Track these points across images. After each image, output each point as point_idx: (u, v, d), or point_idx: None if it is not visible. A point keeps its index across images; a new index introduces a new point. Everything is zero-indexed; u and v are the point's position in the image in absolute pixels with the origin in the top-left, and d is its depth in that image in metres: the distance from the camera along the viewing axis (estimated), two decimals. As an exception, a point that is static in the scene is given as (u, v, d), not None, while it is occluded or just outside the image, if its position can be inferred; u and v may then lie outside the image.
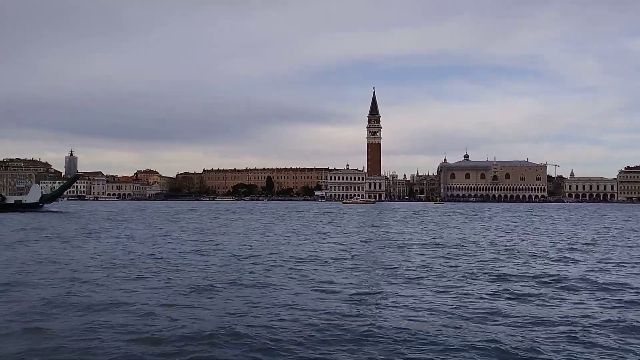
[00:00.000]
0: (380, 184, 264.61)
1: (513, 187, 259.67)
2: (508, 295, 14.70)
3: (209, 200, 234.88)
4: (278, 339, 10.28)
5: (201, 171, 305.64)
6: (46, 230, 40.32)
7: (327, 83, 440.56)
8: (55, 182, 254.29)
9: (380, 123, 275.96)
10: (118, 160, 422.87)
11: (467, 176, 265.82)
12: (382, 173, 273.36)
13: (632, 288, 15.87)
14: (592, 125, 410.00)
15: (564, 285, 16.40)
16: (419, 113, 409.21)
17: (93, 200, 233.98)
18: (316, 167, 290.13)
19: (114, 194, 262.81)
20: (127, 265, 20.28)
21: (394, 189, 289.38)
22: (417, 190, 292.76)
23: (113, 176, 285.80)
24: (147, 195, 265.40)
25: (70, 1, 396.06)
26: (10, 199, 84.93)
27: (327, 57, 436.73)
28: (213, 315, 12.08)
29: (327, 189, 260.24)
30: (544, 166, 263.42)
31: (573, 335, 10.61)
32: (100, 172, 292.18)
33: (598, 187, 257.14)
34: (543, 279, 17.54)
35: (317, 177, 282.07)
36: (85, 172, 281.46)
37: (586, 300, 14.13)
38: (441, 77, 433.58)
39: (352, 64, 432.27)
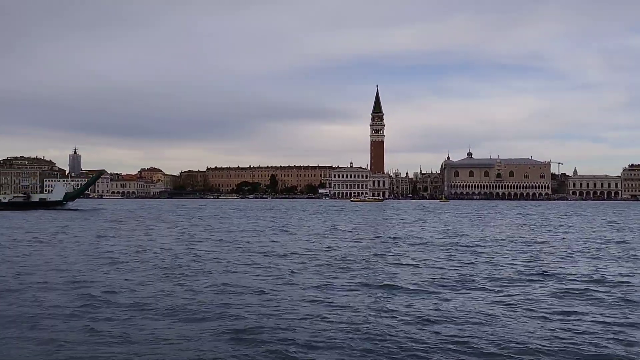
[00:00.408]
0: (384, 182, 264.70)
1: (517, 185, 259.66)
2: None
3: (214, 198, 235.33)
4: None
5: (204, 169, 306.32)
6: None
7: (328, 80, 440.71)
8: (60, 180, 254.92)
9: (384, 121, 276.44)
10: (120, 158, 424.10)
11: (471, 174, 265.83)
12: (385, 171, 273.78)
13: None
14: (595, 122, 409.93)
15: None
16: (421, 110, 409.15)
17: (98, 198, 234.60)
18: (319, 165, 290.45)
19: (118, 192, 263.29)
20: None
21: (397, 187, 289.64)
22: (420, 188, 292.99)
23: (117, 174, 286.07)
24: (152, 194, 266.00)
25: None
26: (35, 197, 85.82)
27: (328, 55, 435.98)
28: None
29: (330, 187, 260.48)
30: (548, 164, 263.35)
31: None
32: (104, 170, 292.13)
33: (602, 184, 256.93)
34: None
35: (321, 175, 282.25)
36: (89, 170, 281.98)
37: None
38: (443, 74, 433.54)
39: (353, 61, 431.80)
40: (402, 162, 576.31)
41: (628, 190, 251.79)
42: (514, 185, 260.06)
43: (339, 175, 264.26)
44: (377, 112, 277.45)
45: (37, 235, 33.96)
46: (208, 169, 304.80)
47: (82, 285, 15.56)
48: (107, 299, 13.49)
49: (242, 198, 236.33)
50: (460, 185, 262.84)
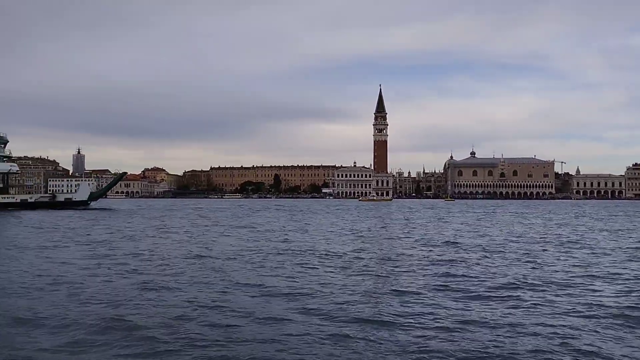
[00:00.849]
0: (387, 182, 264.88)
1: (520, 184, 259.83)
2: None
3: (217, 198, 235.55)
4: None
5: (206, 169, 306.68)
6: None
7: (328, 80, 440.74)
8: (63, 180, 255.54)
9: (387, 120, 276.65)
10: (121, 158, 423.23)
11: (475, 173, 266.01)
12: (388, 170, 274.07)
13: None
14: (595, 122, 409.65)
15: None
16: (421, 110, 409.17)
17: (103, 198, 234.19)
18: (323, 165, 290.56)
19: (122, 192, 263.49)
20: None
21: (400, 187, 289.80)
22: (423, 187, 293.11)
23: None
24: (155, 193, 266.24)
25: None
26: (61, 197, 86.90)
27: (328, 55, 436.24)
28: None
29: (334, 187, 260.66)
30: (552, 163, 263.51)
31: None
32: (108, 170, 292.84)
33: (606, 184, 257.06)
34: None
35: (324, 175, 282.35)
36: (92, 170, 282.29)
37: None
38: (444, 74, 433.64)
39: (353, 61, 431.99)
40: (402, 161, 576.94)
41: (632, 190, 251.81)
42: (517, 184, 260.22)
43: (342, 175, 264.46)
44: (380, 111, 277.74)
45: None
46: (211, 168, 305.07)
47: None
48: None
49: (245, 198, 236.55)
50: (463, 184, 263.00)
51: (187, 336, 10.13)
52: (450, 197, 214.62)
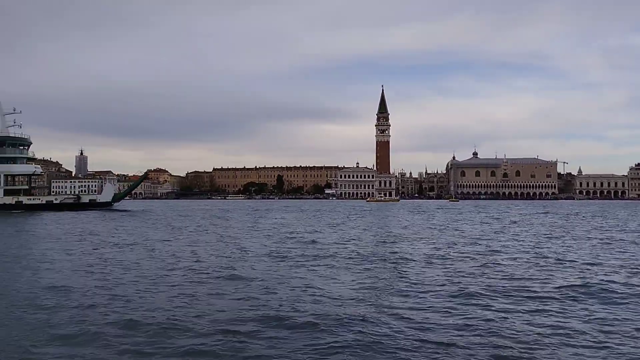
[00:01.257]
0: (390, 182, 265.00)
1: (523, 185, 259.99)
2: None
3: (221, 198, 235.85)
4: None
5: (207, 169, 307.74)
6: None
7: (328, 81, 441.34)
8: (67, 182, 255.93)
9: (389, 121, 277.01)
10: (122, 159, 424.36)
11: (477, 174, 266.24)
12: (390, 171, 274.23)
13: None
14: (596, 122, 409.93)
15: None
16: (421, 110, 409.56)
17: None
18: (325, 166, 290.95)
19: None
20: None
21: (403, 187, 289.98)
22: (426, 188, 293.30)
23: (124, 175, 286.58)
24: (159, 194, 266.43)
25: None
26: (85, 198, 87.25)
27: (328, 55, 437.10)
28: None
29: (337, 187, 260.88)
30: (555, 163, 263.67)
31: None
32: (110, 171, 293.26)
33: (609, 184, 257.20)
34: None
35: (327, 176, 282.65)
36: (95, 172, 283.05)
37: None
38: (444, 74, 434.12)
39: (354, 61, 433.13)
40: (403, 161, 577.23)
41: (635, 190, 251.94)
42: (520, 184, 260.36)
43: (345, 176, 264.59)
44: (383, 112, 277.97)
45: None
46: (214, 169, 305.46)
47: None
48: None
49: (248, 198, 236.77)
50: (466, 184, 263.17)
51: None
52: (455, 198, 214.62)
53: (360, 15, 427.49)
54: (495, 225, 49.02)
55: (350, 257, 23.11)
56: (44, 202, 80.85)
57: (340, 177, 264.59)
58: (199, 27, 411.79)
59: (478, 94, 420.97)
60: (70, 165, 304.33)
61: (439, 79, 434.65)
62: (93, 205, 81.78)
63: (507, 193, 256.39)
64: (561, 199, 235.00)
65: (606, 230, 42.83)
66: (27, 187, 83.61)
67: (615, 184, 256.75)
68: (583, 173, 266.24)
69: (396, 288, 15.77)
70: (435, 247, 27.66)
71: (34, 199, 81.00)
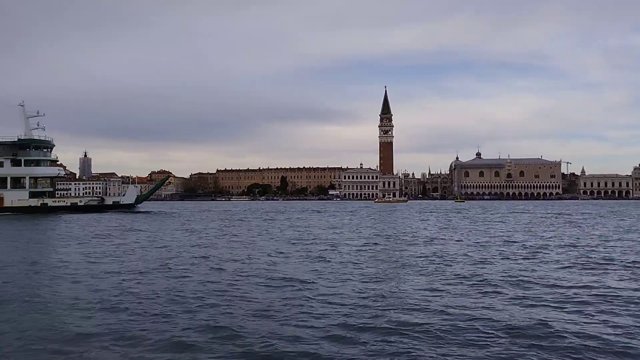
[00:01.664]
0: (394, 183, 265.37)
1: (527, 185, 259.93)
2: None
3: (225, 200, 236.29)
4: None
5: (210, 170, 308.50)
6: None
7: (329, 81, 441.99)
8: (71, 184, 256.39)
9: (392, 122, 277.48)
10: (125, 161, 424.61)
11: (481, 174, 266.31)
12: (394, 172, 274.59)
13: None
14: (597, 122, 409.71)
15: None
16: (421, 110, 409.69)
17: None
18: (329, 167, 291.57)
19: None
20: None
21: (406, 188, 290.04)
22: (429, 188, 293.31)
23: (128, 177, 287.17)
24: (163, 196, 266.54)
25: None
26: (109, 200, 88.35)
27: (329, 55, 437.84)
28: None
29: (340, 188, 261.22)
30: (559, 163, 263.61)
31: None
32: (114, 173, 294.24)
33: (613, 184, 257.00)
34: None
35: (330, 177, 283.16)
36: (100, 174, 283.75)
37: None
38: (444, 74, 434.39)
39: (354, 61, 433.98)
40: (404, 162, 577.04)
41: (639, 190, 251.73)
42: (524, 185, 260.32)
43: (349, 177, 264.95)
44: (386, 113, 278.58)
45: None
46: (218, 171, 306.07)
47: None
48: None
49: (252, 200, 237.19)
50: (470, 185, 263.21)
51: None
52: (462, 199, 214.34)
53: (360, 16, 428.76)
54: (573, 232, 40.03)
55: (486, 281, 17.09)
56: (68, 204, 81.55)
57: (344, 178, 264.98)
58: (199, 27, 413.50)
59: (478, 94, 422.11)
60: (73, 167, 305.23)
61: (439, 79, 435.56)
62: (116, 207, 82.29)
63: (510, 193, 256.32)
64: (565, 199, 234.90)
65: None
66: (51, 189, 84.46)
67: (620, 184, 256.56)
68: (586, 173, 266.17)
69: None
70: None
71: (59, 201, 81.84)
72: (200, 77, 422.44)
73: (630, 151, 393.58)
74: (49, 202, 78.87)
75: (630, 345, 9.92)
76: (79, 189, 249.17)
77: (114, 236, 35.21)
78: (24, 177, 77.87)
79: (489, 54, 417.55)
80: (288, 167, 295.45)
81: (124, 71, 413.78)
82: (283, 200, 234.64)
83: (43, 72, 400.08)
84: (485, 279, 16.97)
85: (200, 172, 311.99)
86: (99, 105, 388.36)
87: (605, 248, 26.89)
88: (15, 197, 76.06)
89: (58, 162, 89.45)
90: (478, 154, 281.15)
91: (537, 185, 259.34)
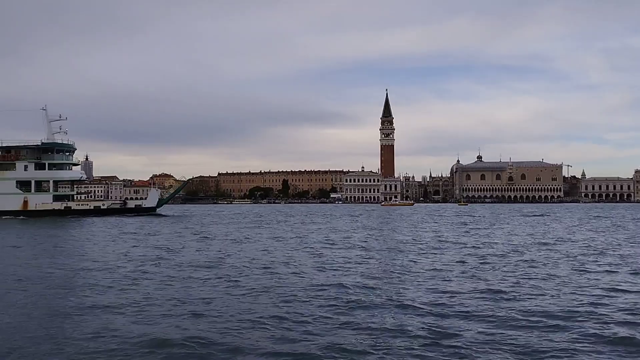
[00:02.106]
0: (396, 186, 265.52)
1: (529, 188, 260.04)
2: None
3: (227, 203, 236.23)
4: None
5: (211, 173, 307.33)
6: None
7: (329, 84, 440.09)
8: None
9: (394, 124, 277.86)
10: (125, 164, 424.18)
11: (483, 177, 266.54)
12: (396, 175, 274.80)
13: None
14: (597, 124, 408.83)
15: None
16: (422, 113, 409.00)
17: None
18: (330, 170, 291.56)
19: (132, 198, 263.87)
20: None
21: (407, 191, 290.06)
22: (430, 191, 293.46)
23: (129, 180, 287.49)
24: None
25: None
26: (131, 204, 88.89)
27: (329, 58, 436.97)
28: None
29: (342, 191, 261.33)
30: (560, 166, 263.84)
31: None
32: (116, 176, 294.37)
33: (614, 187, 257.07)
34: None
35: (332, 180, 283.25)
36: (101, 177, 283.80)
37: None
38: (444, 77, 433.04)
39: (354, 64, 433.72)
40: (404, 164, 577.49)
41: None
42: (525, 188, 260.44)
43: (350, 180, 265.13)
44: (387, 116, 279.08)
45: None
46: (219, 174, 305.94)
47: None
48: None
49: (254, 203, 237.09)
50: (472, 188, 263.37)
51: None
52: (464, 202, 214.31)
53: (361, 19, 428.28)
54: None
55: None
56: (91, 207, 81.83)
57: (346, 181, 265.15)
58: (199, 30, 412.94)
59: (479, 97, 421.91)
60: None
61: (440, 82, 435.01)
62: (139, 211, 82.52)
63: (512, 197, 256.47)
64: (567, 202, 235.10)
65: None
66: (73, 192, 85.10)
67: (621, 187, 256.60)
68: (587, 176, 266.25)
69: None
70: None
71: (82, 204, 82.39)
72: (200, 80, 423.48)
73: (631, 153, 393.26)
74: (73, 205, 79.34)
75: None
76: (81, 191, 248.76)
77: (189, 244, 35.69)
78: (48, 181, 78.17)
79: (490, 57, 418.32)
80: (289, 171, 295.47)
81: (124, 75, 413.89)
82: (285, 203, 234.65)
83: (43, 76, 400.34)
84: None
85: (202, 175, 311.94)
86: (100, 109, 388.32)
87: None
88: (39, 201, 76.33)
89: (78, 165, 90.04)
90: (479, 157, 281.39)
91: (538, 188, 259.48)
